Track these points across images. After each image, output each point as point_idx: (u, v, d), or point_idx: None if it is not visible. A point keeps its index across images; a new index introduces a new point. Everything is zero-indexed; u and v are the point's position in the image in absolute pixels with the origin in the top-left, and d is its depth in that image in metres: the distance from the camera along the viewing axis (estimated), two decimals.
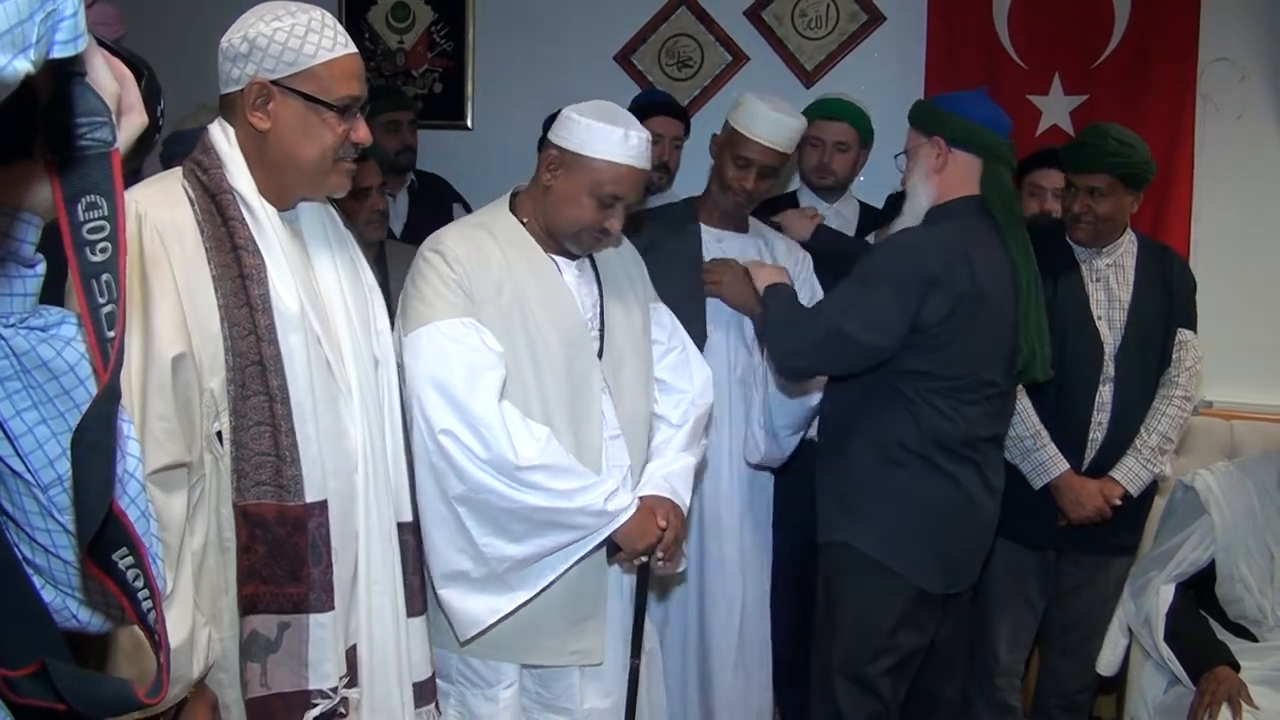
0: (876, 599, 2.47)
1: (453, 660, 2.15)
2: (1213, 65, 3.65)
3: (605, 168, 2.10)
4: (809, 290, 2.85)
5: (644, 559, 2.15)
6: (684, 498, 2.24)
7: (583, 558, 2.09)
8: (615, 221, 2.14)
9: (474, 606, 2.05)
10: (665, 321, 2.41)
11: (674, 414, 2.34)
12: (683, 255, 2.74)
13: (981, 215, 2.44)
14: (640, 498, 2.15)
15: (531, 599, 2.07)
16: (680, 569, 2.36)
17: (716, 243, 2.79)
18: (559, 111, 2.18)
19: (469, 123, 4.45)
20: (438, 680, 2.09)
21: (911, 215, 2.49)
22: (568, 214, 2.14)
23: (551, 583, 2.08)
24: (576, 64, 4.25)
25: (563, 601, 2.13)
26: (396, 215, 3.65)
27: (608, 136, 2.09)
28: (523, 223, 2.20)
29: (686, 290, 2.66)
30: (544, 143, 2.19)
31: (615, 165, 2.10)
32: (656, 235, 2.72)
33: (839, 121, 3.36)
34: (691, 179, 3.43)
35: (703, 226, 2.81)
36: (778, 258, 2.85)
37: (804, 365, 2.52)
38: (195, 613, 1.61)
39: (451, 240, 2.12)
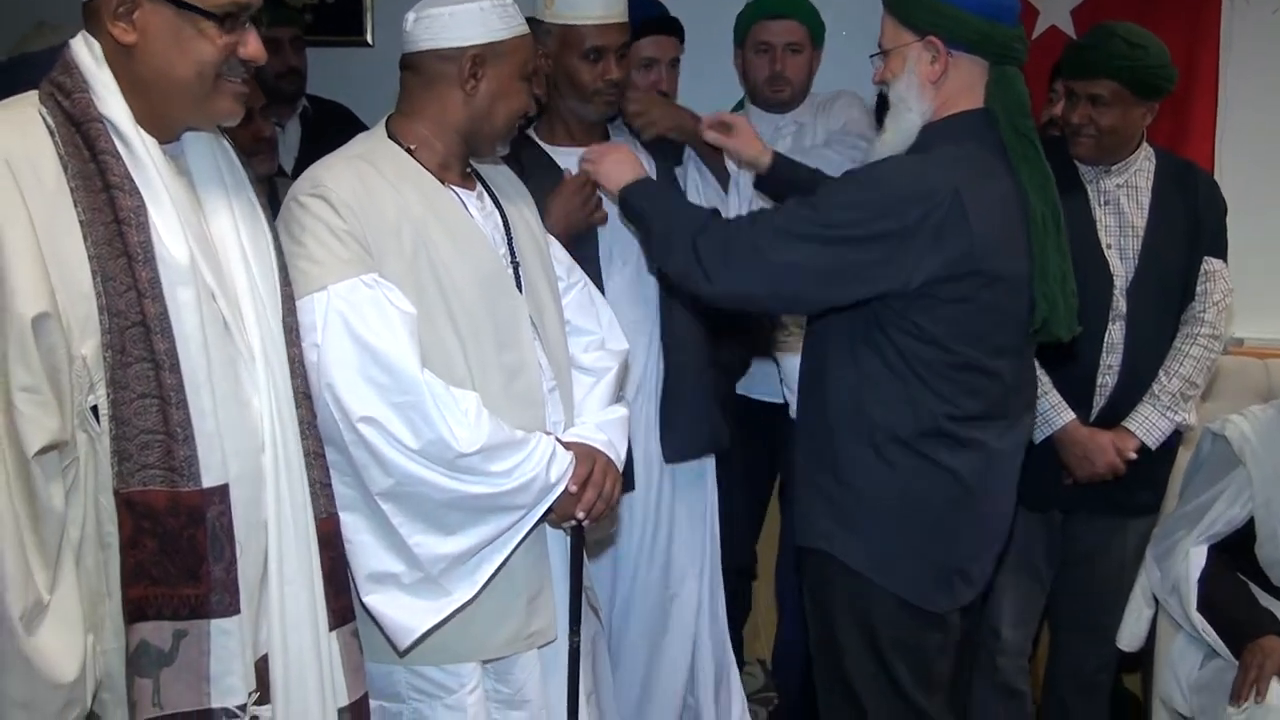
0: (879, 613, 2.31)
1: (398, 674, 2.13)
2: None
3: (520, 44, 2.15)
4: None
5: (579, 520, 2.18)
6: (620, 450, 2.27)
7: (521, 541, 2.10)
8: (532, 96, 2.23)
9: (407, 613, 2.03)
10: (561, 255, 2.42)
11: (587, 359, 2.36)
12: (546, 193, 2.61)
13: (988, 136, 2.21)
14: (569, 444, 2.17)
15: (470, 600, 2.07)
16: (613, 529, 2.39)
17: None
18: None
19: (369, 38, 4.37)
20: (384, 703, 2.11)
21: (899, 136, 2.25)
22: (504, 110, 2.16)
23: (492, 577, 2.08)
24: None
25: (512, 581, 2.14)
26: (287, 148, 3.62)
27: (503, 14, 2.12)
28: (409, 150, 2.16)
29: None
30: (422, 57, 2.13)
31: (523, 35, 2.15)
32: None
33: (786, 19, 3.34)
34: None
35: (550, 150, 2.74)
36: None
37: (699, 260, 2.23)
38: (84, 622, 1.59)
39: (332, 179, 2.05)
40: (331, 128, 3.70)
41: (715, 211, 2.38)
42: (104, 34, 1.65)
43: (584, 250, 2.61)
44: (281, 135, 3.65)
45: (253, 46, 1.70)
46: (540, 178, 2.61)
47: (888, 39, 2.28)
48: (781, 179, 2.70)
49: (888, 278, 2.15)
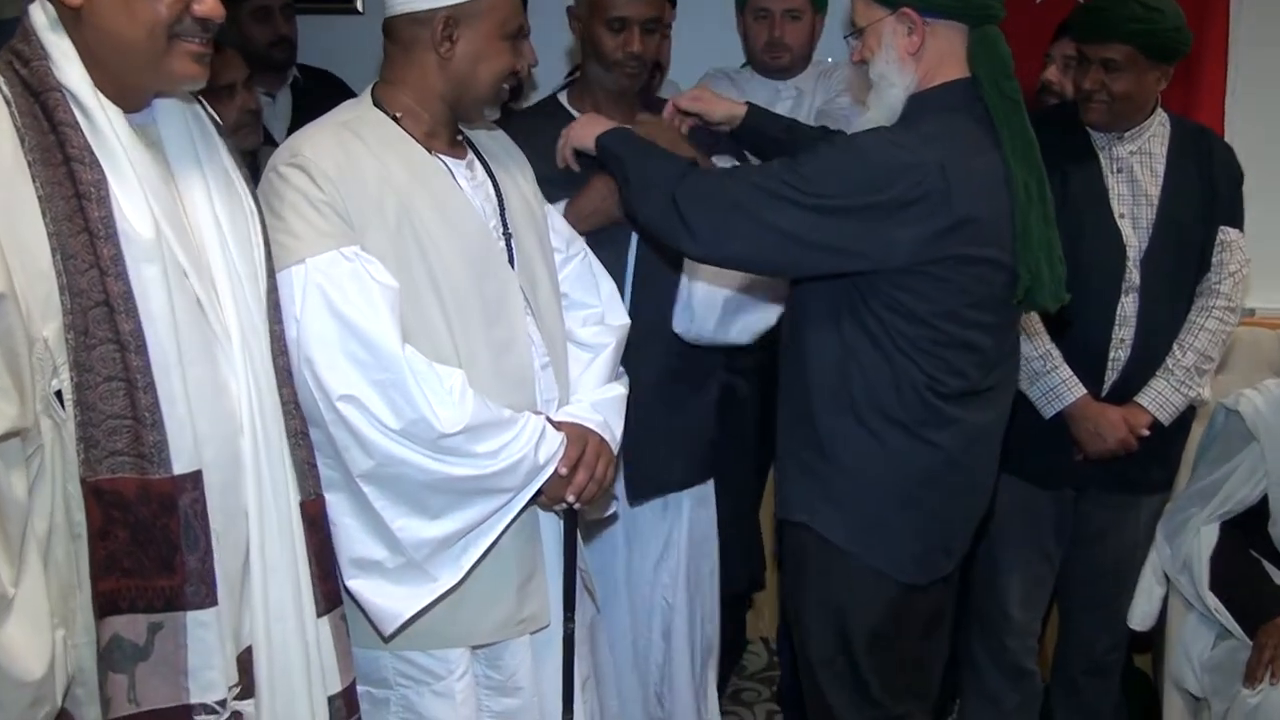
0: (850, 594, 2.31)
1: (385, 660, 2.09)
2: None
3: (499, 1, 2.05)
4: None
5: (570, 503, 2.12)
6: (615, 431, 2.21)
7: (510, 524, 2.05)
8: (523, 58, 2.14)
9: (391, 599, 1.99)
10: (560, 226, 2.37)
11: (585, 334, 2.29)
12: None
13: (973, 105, 2.16)
14: (560, 424, 2.12)
15: (456, 585, 2.02)
16: (610, 512, 2.35)
17: None
18: None
19: (359, 5, 4.29)
20: (370, 688, 2.07)
21: (883, 113, 2.19)
22: (486, 72, 2.08)
23: (479, 561, 2.03)
24: None
25: (502, 565, 2.10)
26: (277, 117, 3.53)
27: None
28: (395, 118, 2.09)
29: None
30: (397, 22, 2.08)
31: None
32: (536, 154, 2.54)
33: None
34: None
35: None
36: None
37: (679, 211, 2.18)
38: (52, 620, 1.53)
39: (312, 148, 1.98)
40: (323, 97, 3.62)
41: (693, 162, 2.32)
42: None
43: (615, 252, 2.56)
44: (272, 105, 3.58)
45: (209, 3, 1.61)
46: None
47: (860, 16, 2.22)
48: (758, 131, 2.64)
49: (868, 252, 2.11)
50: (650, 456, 2.64)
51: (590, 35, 2.58)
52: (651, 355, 2.60)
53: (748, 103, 2.66)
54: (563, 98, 2.73)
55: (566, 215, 2.44)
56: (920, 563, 2.30)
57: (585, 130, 2.43)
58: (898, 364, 2.17)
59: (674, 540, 2.79)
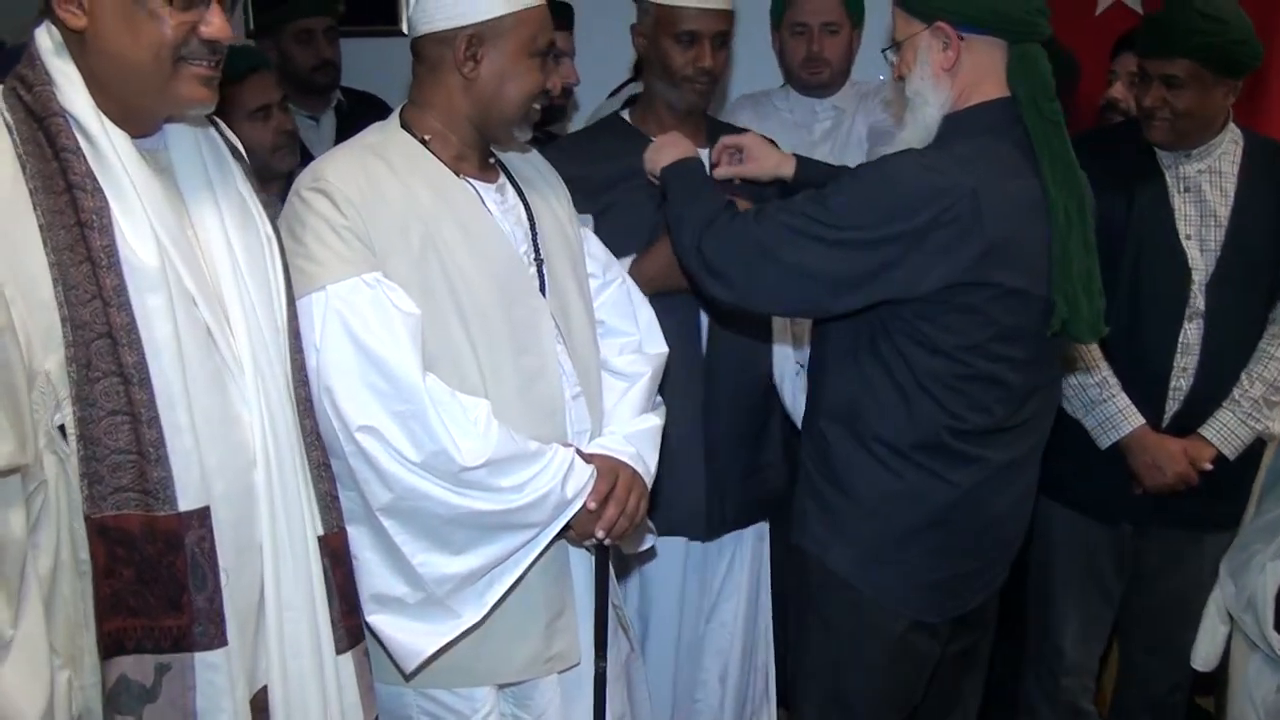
0: (855, 631, 2.22)
1: (409, 697, 2.05)
2: None
3: (526, 17, 2.01)
4: None
5: (600, 539, 2.06)
6: (649, 463, 2.15)
7: (535, 560, 2.00)
8: (555, 75, 2.11)
9: (412, 636, 1.94)
10: (597, 251, 2.31)
11: (621, 362, 2.23)
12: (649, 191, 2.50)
13: (1012, 126, 2.06)
14: (591, 456, 2.06)
15: (480, 622, 1.97)
16: (644, 546, 2.29)
17: None
18: None
19: (404, 27, 4.24)
20: None
21: (918, 132, 2.11)
22: (513, 91, 2.03)
23: (503, 598, 1.98)
24: None
25: (529, 602, 2.05)
26: (321, 140, 3.52)
27: None
28: (423, 141, 2.05)
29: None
30: (423, 42, 2.04)
31: (532, 9, 2.02)
32: (627, 158, 2.51)
33: None
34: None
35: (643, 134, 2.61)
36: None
37: (705, 260, 2.16)
38: (51, 659, 1.49)
39: (335, 172, 1.95)
40: (365, 120, 3.61)
41: (731, 203, 2.26)
42: (57, 19, 1.55)
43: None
44: (315, 128, 3.60)
45: (216, 25, 1.57)
46: (630, 162, 2.51)
47: (899, 30, 2.15)
48: (809, 183, 2.51)
49: (896, 282, 2.02)
50: (729, 496, 2.62)
51: (658, 50, 2.52)
52: (729, 400, 2.59)
53: (795, 155, 2.56)
54: (626, 115, 2.69)
55: (631, 273, 2.38)
56: (927, 599, 2.20)
57: (659, 154, 2.39)
58: (915, 400, 2.09)
59: (735, 574, 2.73)
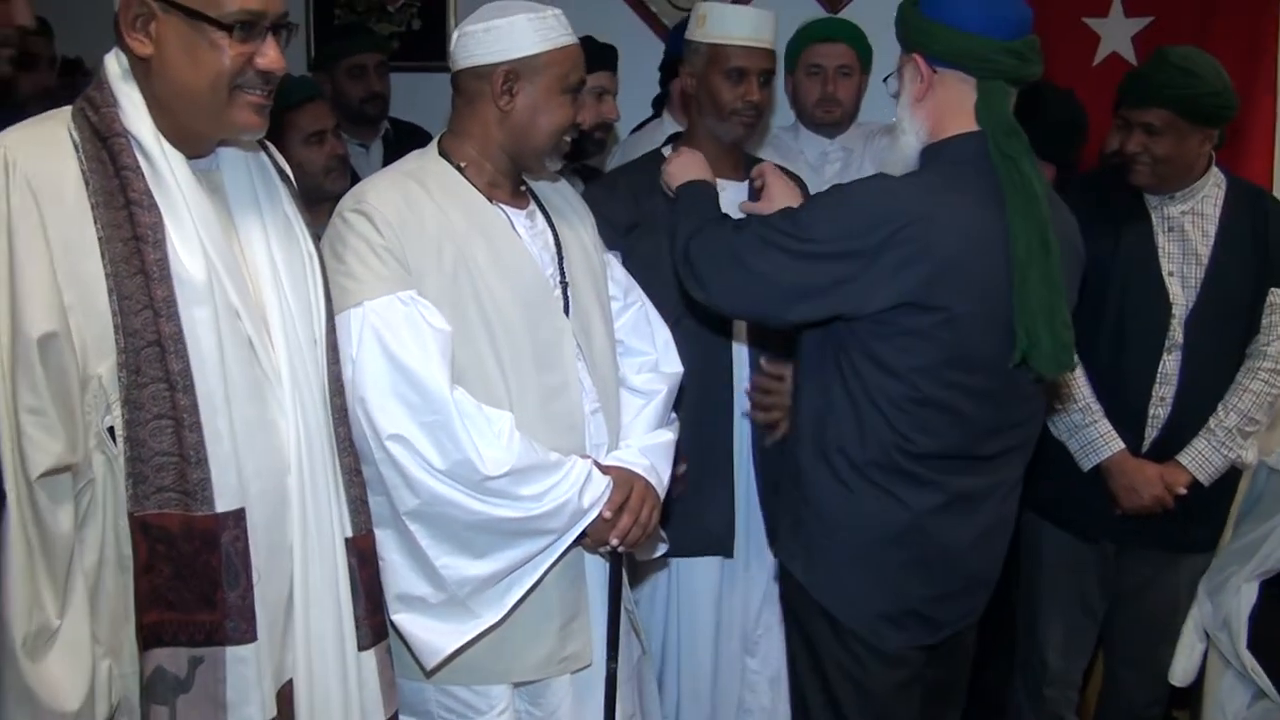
0: (827, 644, 2.09)
1: (429, 692, 2.00)
2: None
3: (560, 56, 1.99)
4: None
5: (614, 546, 2.01)
6: (663, 476, 2.12)
7: (553, 565, 1.96)
8: (585, 110, 2.13)
9: (434, 634, 1.90)
10: (619, 275, 2.28)
11: (638, 380, 2.19)
12: None
13: (983, 159, 1.96)
14: (608, 468, 2.02)
15: (498, 623, 1.92)
16: (658, 554, 2.24)
17: (719, 193, 2.48)
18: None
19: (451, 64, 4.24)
20: (413, 719, 1.98)
21: (897, 158, 2.06)
22: (546, 125, 2.00)
23: (521, 600, 1.94)
24: None
25: (546, 604, 2.01)
26: (370, 166, 3.49)
27: (539, 26, 1.97)
28: (459, 168, 2.02)
29: None
30: (462, 76, 2.02)
31: (566, 48, 2.00)
32: (639, 204, 2.48)
33: (838, 43, 3.20)
34: None
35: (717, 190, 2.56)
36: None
37: (689, 262, 2.10)
38: (94, 648, 1.47)
39: (376, 195, 1.93)
40: (410, 148, 3.60)
41: (725, 217, 2.20)
42: (125, 47, 1.53)
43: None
44: (365, 154, 3.58)
45: (270, 57, 1.54)
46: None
47: (900, 58, 2.09)
48: None
49: (847, 298, 1.95)
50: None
51: (708, 87, 2.48)
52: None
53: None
54: (667, 153, 2.62)
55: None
56: (894, 625, 2.06)
57: (682, 170, 2.33)
58: (866, 416, 1.99)
59: (772, 592, 2.62)
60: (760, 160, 2.58)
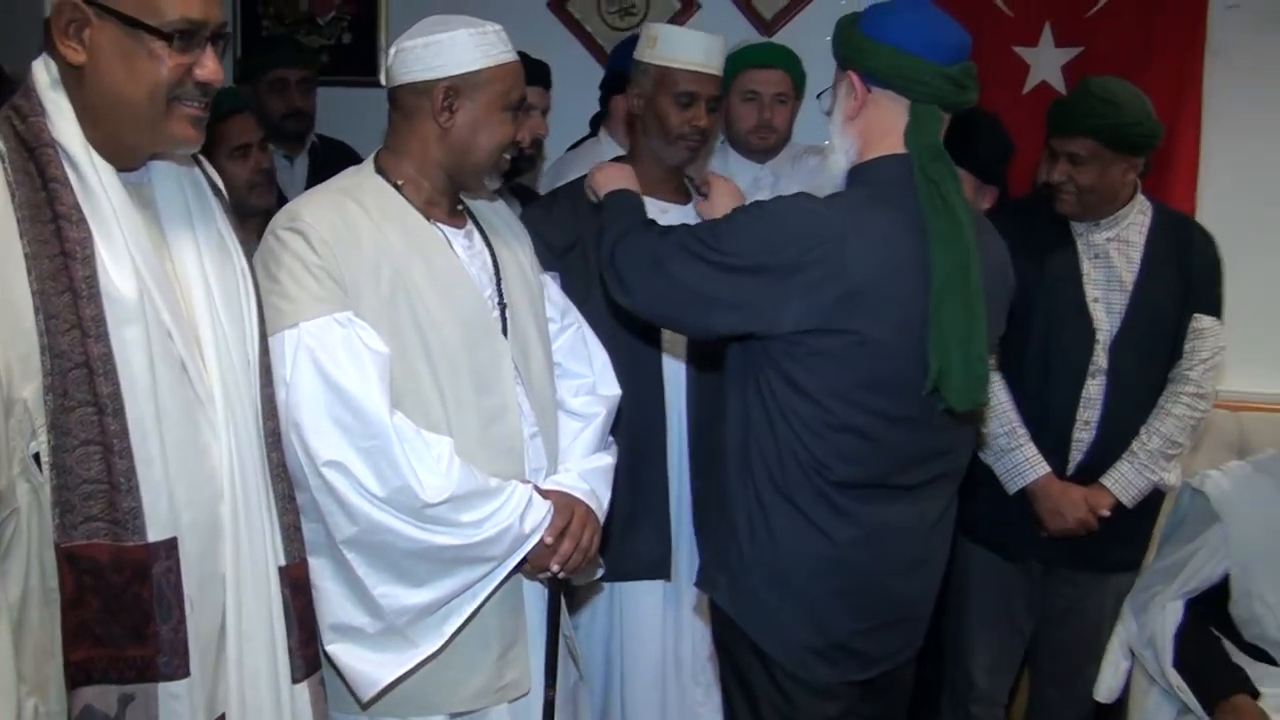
0: (764, 688, 2.02)
1: None
2: (1224, 14, 3.51)
3: (501, 73, 1.95)
4: None
5: (555, 572, 1.98)
6: (603, 500, 2.09)
7: (492, 593, 1.91)
8: (525, 128, 2.06)
9: (371, 665, 1.84)
10: (555, 296, 2.25)
11: (576, 403, 2.16)
12: None
13: (908, 183, 1.91)
14: (548, 493, 1.98)
15: (437, 652, 1.87)
16: (596, 577, 2.21)
17: (660, 215, 2.47)
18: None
19: (382, 79, 4.16)
20: None
21: (827, 177, 2.02)
22: (485, 142, 1.97)
23: (460, 628, 1.89)
24: (504, 13, 3.89)
25: (484, 633, 1.96)
26: (294, 183, 3.42)
27: (480, 42, 1.94)
28: (396, 186, 1.97)
29: None
30: (400, 92, 1.97)
31: (507, 65, 1.97)
32: (577, 226, 2.45)
33: (774, 69, 3.18)
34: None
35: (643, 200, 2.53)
36: None
37: (614, 266, 2.07)
38: (19, 687, 1.39)
39: (311, 213, 1.87)
40: (335, 167, 3.51)
41: (651, 222, 2.18)
42: (56, 54, 1.46)
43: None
44: (289, 168, 3.50)
45: (210, 68, 1.49)
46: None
47: (835, 74, 2.06)
48: None
49: (758, 314, 1.92)
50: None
51: (655, 109, 2.47)
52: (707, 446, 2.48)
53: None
54: None
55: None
56: (822, 660, 2.00)
57: (607, 179, 2.31)
58: (784, 440, 1.95)
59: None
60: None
